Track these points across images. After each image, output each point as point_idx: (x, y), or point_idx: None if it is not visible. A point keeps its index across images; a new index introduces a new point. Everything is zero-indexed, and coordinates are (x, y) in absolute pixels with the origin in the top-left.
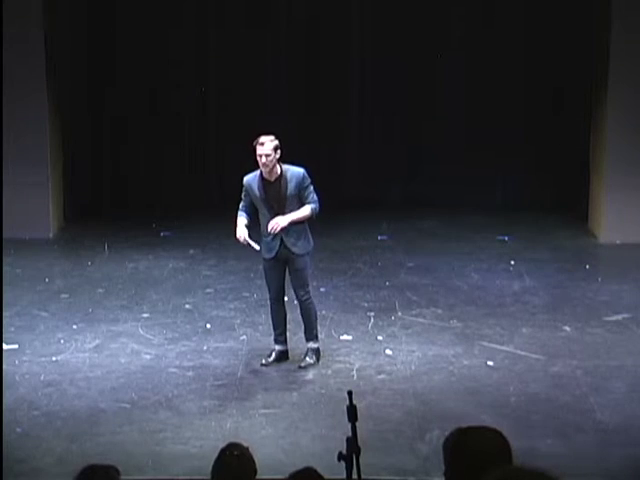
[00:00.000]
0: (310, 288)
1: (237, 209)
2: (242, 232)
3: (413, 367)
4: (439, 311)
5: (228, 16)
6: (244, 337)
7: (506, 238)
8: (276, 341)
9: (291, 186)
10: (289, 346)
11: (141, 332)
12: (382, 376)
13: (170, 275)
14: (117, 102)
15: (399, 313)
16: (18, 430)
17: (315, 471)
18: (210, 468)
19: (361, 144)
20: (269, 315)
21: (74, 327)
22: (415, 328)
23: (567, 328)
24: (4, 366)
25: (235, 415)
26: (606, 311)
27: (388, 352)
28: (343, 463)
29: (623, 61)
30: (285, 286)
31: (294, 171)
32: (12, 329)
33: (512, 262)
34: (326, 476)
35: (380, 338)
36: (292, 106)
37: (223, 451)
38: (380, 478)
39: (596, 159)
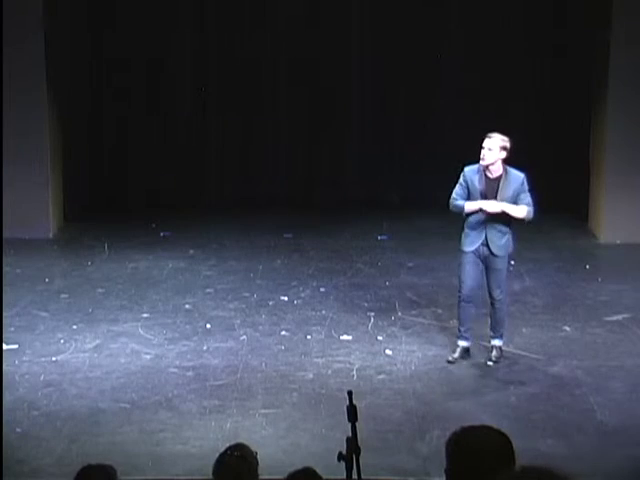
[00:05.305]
0: (506, 288)
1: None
2: (478, 202)
3: (413, 367)
4: (439, 311)
5: (228, 16)
6: (244, 337)
7: None
8: (461, 337)
9: (509, 188)
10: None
11: (141, 332)
12: (382, 376)
13: (170, 275)
14: (117, 102)
15: (399, 313)
16: (18, 430)
17: (314, 471)
18: (210, 468)
19: (361, 144)
20: (457, 312)
21: (74, 327)
22: (415, 328)
23: (567, 328)
24: (4, 366)
25: (235, 415)
26: (606, 311)
27: (388, 352)
28: (343, 463)
29: (623, 61)
30: (476, 287)
31: (515, 174)
32: (12, 329)
33: (512, 262)
34: (326, 476)
35: (380, 338)
36: (292, 106)
37: (225, 451)
38: (380, 478)
39: (596, 159)
